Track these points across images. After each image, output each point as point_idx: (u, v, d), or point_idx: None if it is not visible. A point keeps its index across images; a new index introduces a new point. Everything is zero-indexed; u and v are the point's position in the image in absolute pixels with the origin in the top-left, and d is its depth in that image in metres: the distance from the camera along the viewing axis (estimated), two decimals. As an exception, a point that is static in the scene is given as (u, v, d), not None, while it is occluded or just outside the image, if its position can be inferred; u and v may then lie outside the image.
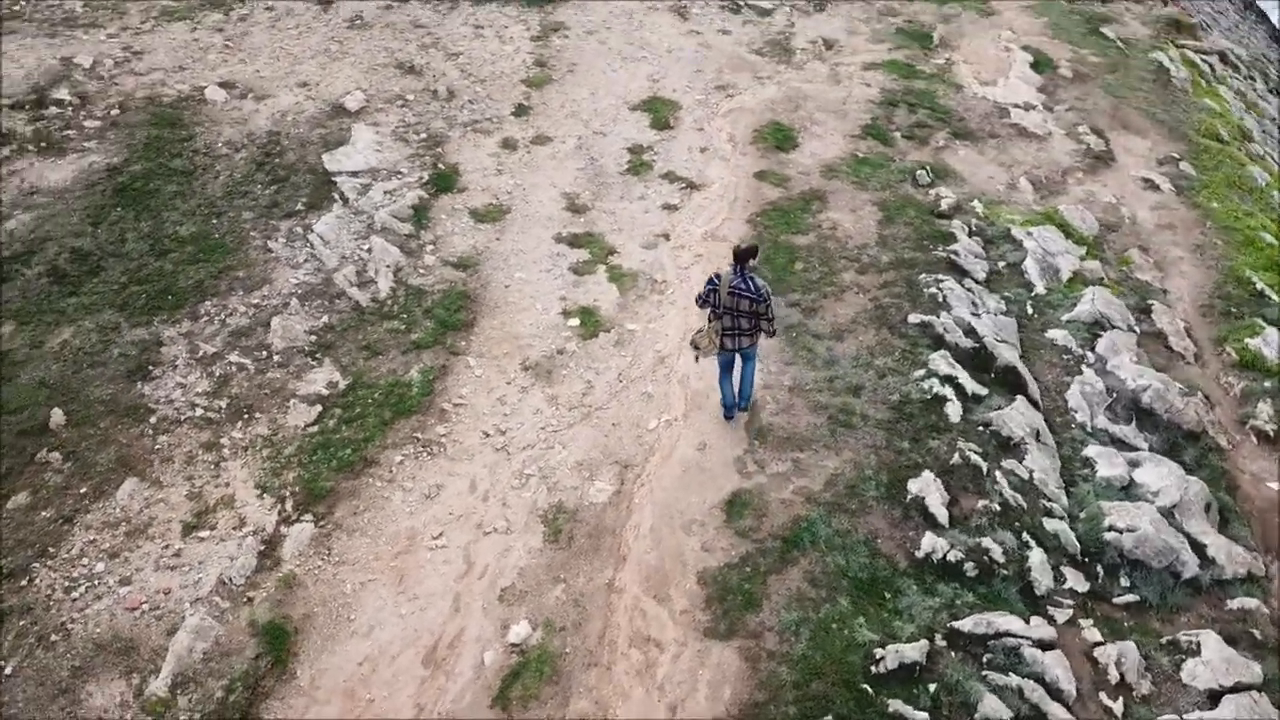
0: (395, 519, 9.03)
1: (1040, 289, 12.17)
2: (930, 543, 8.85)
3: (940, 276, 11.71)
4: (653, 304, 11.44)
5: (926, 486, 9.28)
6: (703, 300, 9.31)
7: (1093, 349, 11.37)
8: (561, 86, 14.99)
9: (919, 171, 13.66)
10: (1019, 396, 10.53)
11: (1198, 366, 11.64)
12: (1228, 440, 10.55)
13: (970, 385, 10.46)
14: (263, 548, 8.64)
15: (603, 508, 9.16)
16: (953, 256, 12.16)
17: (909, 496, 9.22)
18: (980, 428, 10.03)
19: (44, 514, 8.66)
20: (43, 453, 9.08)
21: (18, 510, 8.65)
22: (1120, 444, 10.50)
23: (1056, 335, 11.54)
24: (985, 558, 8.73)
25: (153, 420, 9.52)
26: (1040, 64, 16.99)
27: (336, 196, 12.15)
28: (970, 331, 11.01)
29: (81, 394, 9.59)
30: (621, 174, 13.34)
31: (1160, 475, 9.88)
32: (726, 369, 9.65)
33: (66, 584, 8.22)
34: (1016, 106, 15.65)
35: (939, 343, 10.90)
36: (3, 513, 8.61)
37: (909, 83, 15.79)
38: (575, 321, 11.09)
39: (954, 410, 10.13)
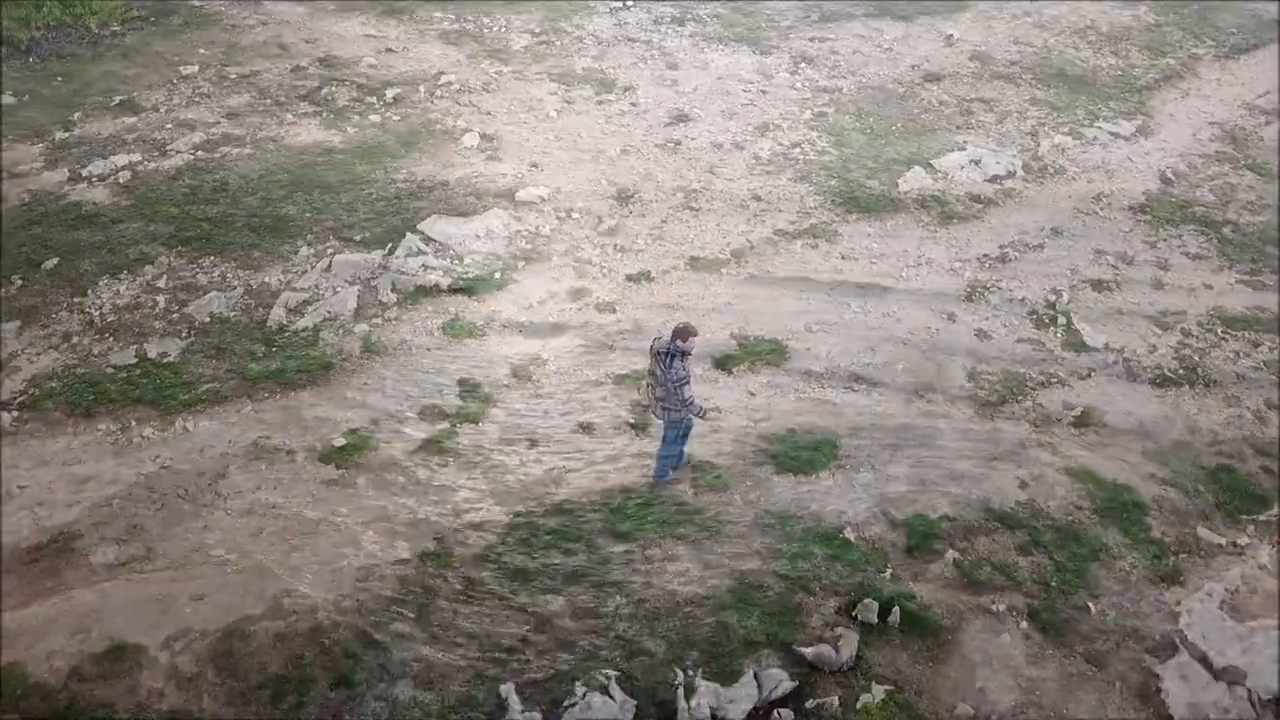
0: (23, 457, 10.56)
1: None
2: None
3: None
4: (399, 475, 10.56)
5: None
6: None
7: None
8: (728, 283, 13.54)
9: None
10: None
11: None
12: None
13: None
14: (-33, 407, 11.02)
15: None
16: None
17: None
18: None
19: (-42, 309, 12.24)
20: (15, 277, 12.66)
21: (-48, 297, 12.35)
22: None
23: None
24: None
25: (75, 300, 12.43)
26: None
27: (388, 248, 13.39)
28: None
29: (79, 260, 12.92)
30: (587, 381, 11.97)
31: None
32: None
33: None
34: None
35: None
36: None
37: (1087, 522, 10.57)
38: (341, 441, 10.89)
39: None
